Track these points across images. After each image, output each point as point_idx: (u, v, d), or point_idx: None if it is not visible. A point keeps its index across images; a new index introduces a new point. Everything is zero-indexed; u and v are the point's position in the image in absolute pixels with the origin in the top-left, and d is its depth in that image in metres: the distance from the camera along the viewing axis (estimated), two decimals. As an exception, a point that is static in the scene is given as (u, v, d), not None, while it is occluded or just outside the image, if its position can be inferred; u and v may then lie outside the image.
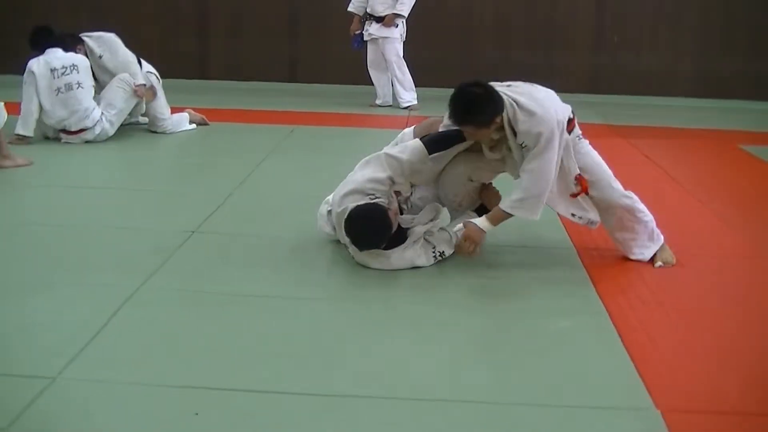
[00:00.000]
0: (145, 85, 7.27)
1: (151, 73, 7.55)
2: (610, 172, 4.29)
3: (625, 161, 7.04)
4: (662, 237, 4.35)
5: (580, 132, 4.22)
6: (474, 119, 3.93)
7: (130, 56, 7.32)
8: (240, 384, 2.93)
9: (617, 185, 4.27)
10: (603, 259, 4.40)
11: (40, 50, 6.97)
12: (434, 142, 4.12)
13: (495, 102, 3.90)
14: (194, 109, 8.04)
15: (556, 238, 4.71)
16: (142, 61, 7.46)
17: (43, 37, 7.00)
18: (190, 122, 7.82)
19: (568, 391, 2.97)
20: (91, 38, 7.28)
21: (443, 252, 4.17)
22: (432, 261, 4.15)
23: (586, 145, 4.25)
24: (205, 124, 7.93)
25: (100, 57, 7.23)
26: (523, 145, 3.97)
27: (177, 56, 10.73)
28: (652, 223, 4.32)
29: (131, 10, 10.81)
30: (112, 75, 7.22)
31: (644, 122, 9.17)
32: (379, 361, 3.16)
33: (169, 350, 3.20)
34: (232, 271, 4.08)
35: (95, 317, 3.40)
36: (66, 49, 6.97)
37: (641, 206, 4.31)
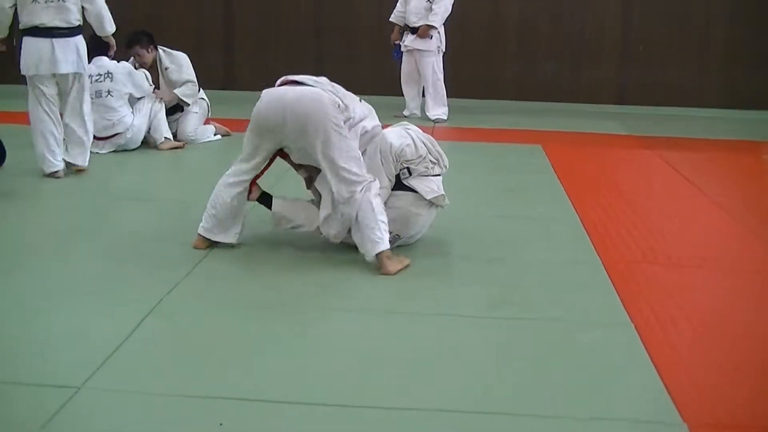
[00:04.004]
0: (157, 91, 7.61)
1: (203, 99, 7.93)
2: None
3: (651, 173, 7.02)
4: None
5: None
6: None
7: (193, 77, 7.74)
8: (265, 395, 2.92)
9: None
10: (630, 273, 4.36)
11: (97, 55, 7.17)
12: None
13: None
14: (220, 120, 8.15)
15: (582, 252, 4.68)
16: (201, 89, 7.90)
17: (93, 45, 7.12)
18: (215, 134, 7.96)
19: (594, 404, 2.94)
20: (164, 51, 7.72)
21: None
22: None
23: None
24: (228, 135, 8.04)
25: (167, 69, 7.65)
26: None
27: (204, 67, 10.79)
28: None
29: (158, 23, 10.89)
30: (173, 87, 7.64)
31: (670, 134, 9.13)
32: (405, 373, 3.14)
33: (193, 360, 3.21)
34: (257, 281, 4.09)
35: (120, 327, 3.41)
36: (133, 45, 7.30)
37: None
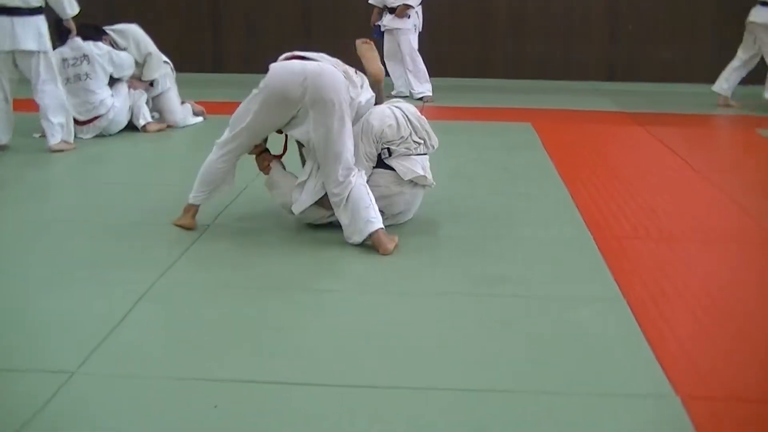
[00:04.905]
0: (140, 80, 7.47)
1: (166, 62, 7.69)
2: None
3: (641, 148, 7.03)
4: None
5: None
6: None
7: (152, 48, 7.47)
8: (258, 376, 2.93)
9: None
10: (621, 248, 4.37)
11: (62, 41, 7.06)
12: None
13: None
14: (207, 104, 8.08)
15: (573, 228, 4.69)
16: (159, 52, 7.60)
17: (64, 27, 7.05)
18: (194, 114, 7.89)
19: (587, 379, 2.95)
20: (114, 31, 7.41)
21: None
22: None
23: None
24: (204, 117, 7.94)
25: (124, 50, 7.35)
26: None
27: (192, 50, 10.76)
28: None
29: (148, 5, 10.84)
30: (138, 65, 7.40)
31: (661, 110, 9.13)
32: (396, 353, 3.15)
33: (186, 343, 3.21)
34: (250, 262, 4.09)
35: (113, 312, 3.41)
36: (85, 39, 7.06)
37: None
